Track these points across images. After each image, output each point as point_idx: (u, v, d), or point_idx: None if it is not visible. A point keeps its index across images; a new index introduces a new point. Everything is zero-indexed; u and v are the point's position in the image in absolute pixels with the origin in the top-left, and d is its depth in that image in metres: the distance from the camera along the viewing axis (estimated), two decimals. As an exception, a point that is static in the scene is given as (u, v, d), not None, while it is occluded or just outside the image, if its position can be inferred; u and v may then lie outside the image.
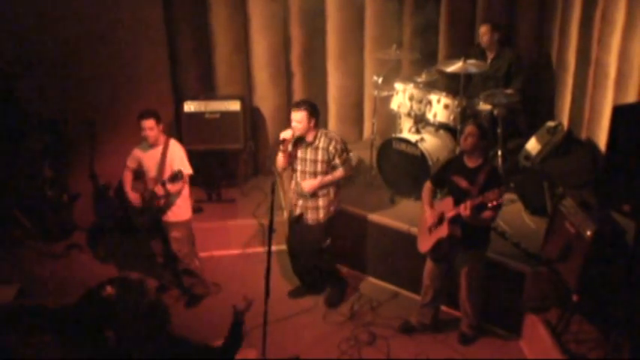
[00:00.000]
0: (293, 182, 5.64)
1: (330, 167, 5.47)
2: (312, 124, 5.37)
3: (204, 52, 7.09)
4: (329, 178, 5.48)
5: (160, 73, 6.90)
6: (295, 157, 5.52)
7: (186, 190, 5.71)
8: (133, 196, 5.71)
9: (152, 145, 5.60)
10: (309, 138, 5.43)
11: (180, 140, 6.50)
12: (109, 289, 4.75)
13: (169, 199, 5.61)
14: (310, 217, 5.58)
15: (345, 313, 5.85)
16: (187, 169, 5.63)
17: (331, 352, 5.38)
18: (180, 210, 5.69)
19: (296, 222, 5.68)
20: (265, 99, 7.34)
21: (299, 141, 5.48)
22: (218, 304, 5.88)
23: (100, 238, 6.59)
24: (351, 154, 5.72)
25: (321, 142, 5.42)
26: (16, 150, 6.65)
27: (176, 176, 5.41)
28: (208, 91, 7.16)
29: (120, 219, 6.27)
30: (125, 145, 6.55)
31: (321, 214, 5.56)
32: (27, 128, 6.63)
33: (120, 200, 6.18)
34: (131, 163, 5.76)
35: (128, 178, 5.77)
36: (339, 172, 5.50)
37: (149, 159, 5.64)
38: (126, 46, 6.55)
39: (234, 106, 6.88)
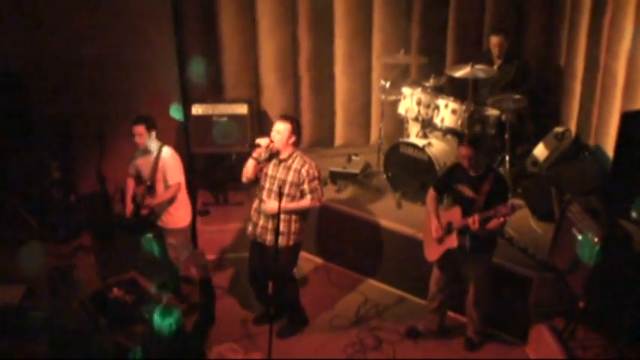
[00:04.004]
0: (257, 200, 5.33)
1: (297, 191, 5.14)
2: (291, 140, 5.11)
3: (213, 55, 7.11)
4: (293, 205, 5.13)
5: (168, 75, 6.91)
6: (265, 173, 5.25)
7: (181, 197, 5.62)
8: (129, 208, 5.68)
9: (145, 152, 5.54)
10: (284, 155, 5.15)
11: (188, 143, 6.53)
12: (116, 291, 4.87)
13: (159, 207, 5.57)
14: (269, 238, 5.22)
15: (350, 317, 5.85)
16: (174, 178, 5.50)
17: (337, 356, 5.39)
18: (174, 217, 5.62)
19: (257, 243, 5.39)
20: (273, 102, 7.35)
21: (273, 157, 5.21)
22: (222, 308, 5.87)
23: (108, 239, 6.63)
24: (323, 186, 5.30)
25: (295, 163, 5.13)
26: (25, 151, 6.68)
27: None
28: (216, 94, 7.17)
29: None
30: (132, 148, 6.58)
31: (283, 240, 5.18)
32: (36, 129, 6.66)
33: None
34: (131, 170, 5.71)
35: (129, 185, 5.73)
36: (305, 201, 5.14)
37: (143, 165, 5.59)
38: (134, 48, 6.57)
39: (242, 109, 6.88)
